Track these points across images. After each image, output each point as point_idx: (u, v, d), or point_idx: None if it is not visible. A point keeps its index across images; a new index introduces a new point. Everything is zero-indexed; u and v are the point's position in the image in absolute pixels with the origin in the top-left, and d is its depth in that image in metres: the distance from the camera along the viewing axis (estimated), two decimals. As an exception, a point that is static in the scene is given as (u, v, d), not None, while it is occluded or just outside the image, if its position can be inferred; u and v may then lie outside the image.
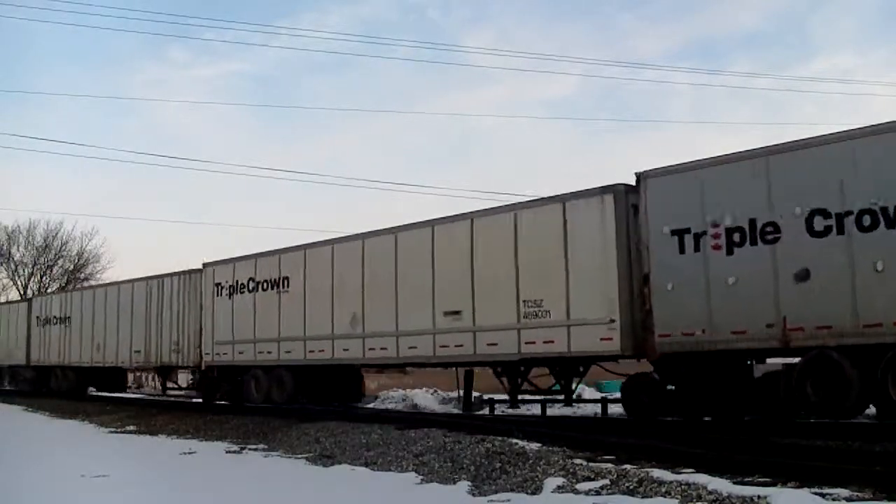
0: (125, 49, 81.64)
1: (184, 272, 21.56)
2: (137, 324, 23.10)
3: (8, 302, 38.04)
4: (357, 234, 17.01)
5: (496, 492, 7.83)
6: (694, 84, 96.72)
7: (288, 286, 18.13)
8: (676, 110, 79.11)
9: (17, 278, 50.44)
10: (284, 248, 18.68)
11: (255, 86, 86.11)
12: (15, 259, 50.52)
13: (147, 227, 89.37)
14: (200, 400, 21.82)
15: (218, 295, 20.03)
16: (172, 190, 79.74)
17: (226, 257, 20.46)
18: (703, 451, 8.25)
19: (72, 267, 51.00)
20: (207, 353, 20.30)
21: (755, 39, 79.87)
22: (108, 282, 25.20)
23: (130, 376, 31.80)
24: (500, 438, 9.96)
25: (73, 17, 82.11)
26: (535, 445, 9.30)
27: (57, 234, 50.50)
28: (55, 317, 27.89)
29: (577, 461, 8.24)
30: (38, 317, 29.22)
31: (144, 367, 25.65)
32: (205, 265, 20.68)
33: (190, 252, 66.90)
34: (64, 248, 50.90)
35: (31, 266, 50.68)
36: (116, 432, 16.73)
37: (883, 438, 8.96)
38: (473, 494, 7.85)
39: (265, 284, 18.76)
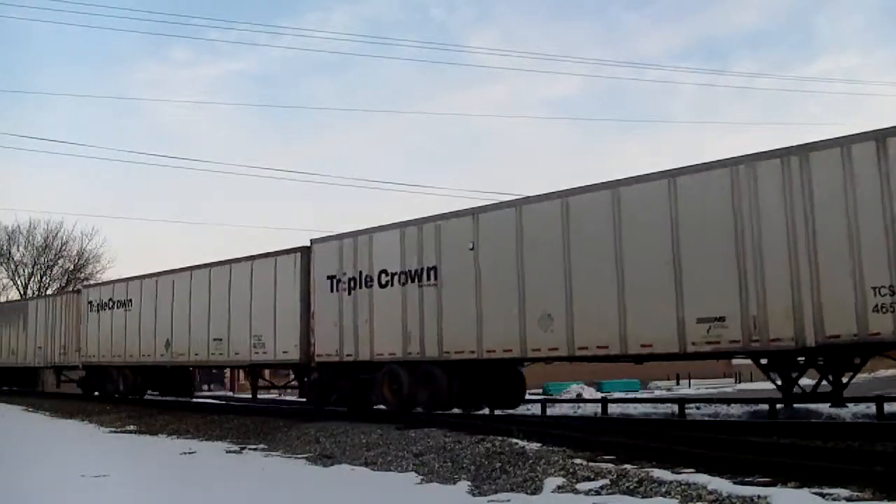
0: (126, 48, 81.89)
1: (287, 250, 17.67)
2: (218, 314, 19.47)
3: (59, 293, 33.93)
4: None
5: (496, 492, 7.84)
6: (697, 84, 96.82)
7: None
8: (679, 110, 79.34)
9: (17, 278, 50.46)
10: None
11: (257, 85, 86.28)
12: (15, 259, 50.54)
13: (147, 227, 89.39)
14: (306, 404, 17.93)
15: (331, 280, 16.23)
16: (172, 190, 79.79)
17: (342, 231, 16.81)
18: (703, 451, 8.24)
19: (72, 267, 51.04)
20: (326, 348, 16.26)
21: (759, 39, 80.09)
22: (183, 266, 21.22)
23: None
24: (500, 438, 9.96)
25: (74, 17, 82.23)
26: (535, 445, 9.31)
27: (57, 234, 50.52)
28: (116, 301, 23.79)
29: (577, 461, 8.23)
30: (90, 303, 25.17)
31: (225, 364, 23.45)
32: (312, 242, 16.96)
33: (190, 252, 66.96)
34: (64, 248, 50.94)
35: (31, 266, 50.71)
36: (116, 432, 16.73)
37: (883, 438, 8.96)
38: (473, 494, 7.86)
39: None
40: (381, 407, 15.50)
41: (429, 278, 14.41)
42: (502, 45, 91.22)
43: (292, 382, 19.19)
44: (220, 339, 19.21)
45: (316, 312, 16.56)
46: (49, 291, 46.18)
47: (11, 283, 50.36)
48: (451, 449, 9.88)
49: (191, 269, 20.90)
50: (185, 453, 12.59)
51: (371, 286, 15.43)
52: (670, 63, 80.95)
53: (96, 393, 25.30)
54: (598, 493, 7.08)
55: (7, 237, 50.14)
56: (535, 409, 17.03)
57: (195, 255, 74.39)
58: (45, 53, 77.55)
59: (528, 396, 17.39)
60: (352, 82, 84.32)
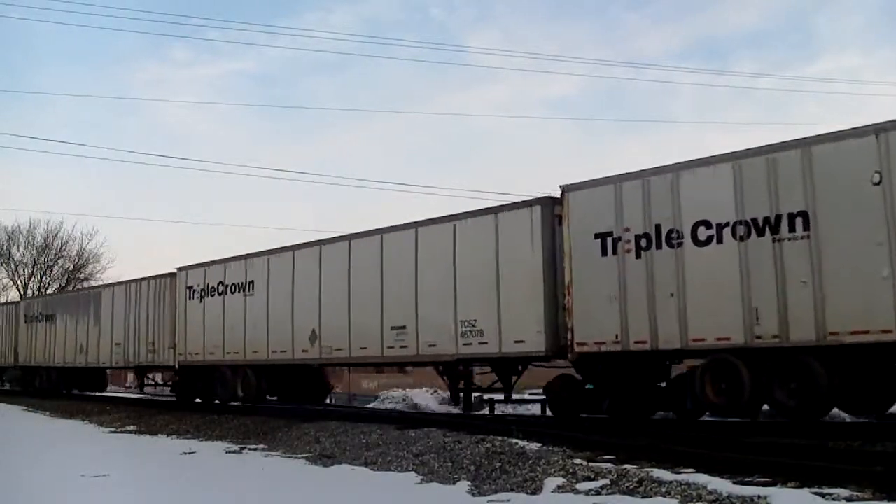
0: (126, 48, 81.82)
1: (516, 204, 13.43)
2: (397, 294, 14.99)
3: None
4: None
5: (496, 492, 7.83)
6: (697, 84, 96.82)
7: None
8: (680, 110, 79.27)
9: (17, 278, 50.47)
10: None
11: (257, 85, 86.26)
12: (15, 259, 50.53)
13: (147, 227, 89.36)
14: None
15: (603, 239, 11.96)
16: (173, 190, 79.72)
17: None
18: (703, 451, 8.25)
19: (72, 267, 51.04)
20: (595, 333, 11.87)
21: (759, 39, 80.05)
22: (335, 236, 16.71)
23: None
24: (500, 438, 9.96)
25: (74, 17, 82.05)
26: (535, 445, 9.31)
27: (57, 234, 50.44)
28: (230, 285, 19.23)
29: (577, 461, 8.23)
30: (191, 288, 20.56)
31: (412, 361, 16.63)
32: (566, 189, 12.50)
33: (190, 252, 66.79)
34: (64, 248, 50.86)
35: (31, 266, 50.72)
36: (116, 432, 16.74)
37: (883, 438, 8.96)
38: (473, 494, 7.85)
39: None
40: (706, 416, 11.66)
41: (791, 229, 10.01)
42: (502, 45, 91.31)
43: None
44: (403, 328, 14.49)
45: (575, 284, 12.05)
46: (49, 291, 46.19)
47: (11, 283, 50.41)
48: (451, 449, 9.88)
49: (348, 237, 16.15)
50: (185, 453, 12.59)
51: (681, 244, 11.02)
52: (670, 63, 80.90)
53: (197, 400, 20.54)
54: (598, 493, 7.08)
55: (7, 237, 50.19)
56: (535, 409, 17.03)
57: (195, 255, 74.33)
58: (46, 53, 77.62)
59: (527, 396, 17.41)
60: (352, 82, 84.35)
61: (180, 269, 20.94)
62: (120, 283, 24.40)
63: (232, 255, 19.53)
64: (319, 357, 16.52)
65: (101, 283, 27.63)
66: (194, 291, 20.08)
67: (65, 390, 27.13)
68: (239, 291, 18.76)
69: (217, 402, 19.37)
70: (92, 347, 24.57)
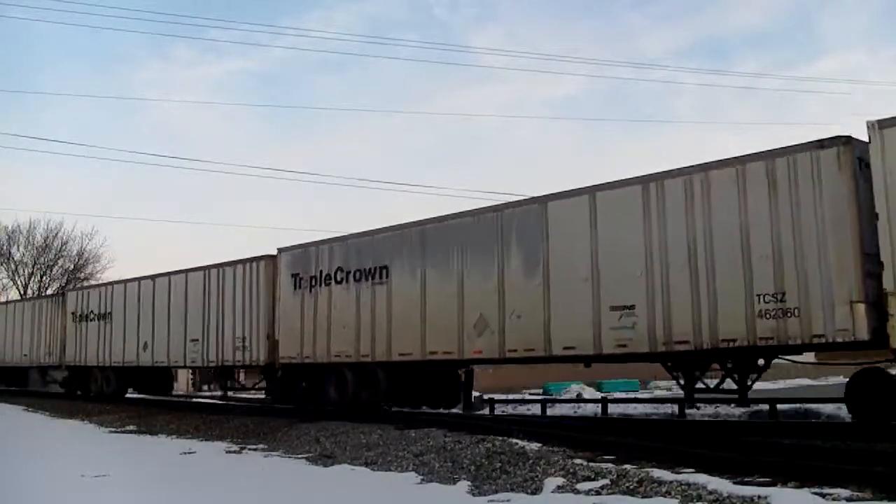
0: (128, 48, 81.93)
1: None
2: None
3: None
4: None
5: (496, 492, 7.83)
6: (701, 84, 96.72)
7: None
8: (683, 110, 79.30)
9: (17, 278, 50.45)
10: None
11: (259, 85, 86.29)
12: (15, 259, 50.49)
13: (147, 227, 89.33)
14: None
15: None
16: (173, 190, 79.71)
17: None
18: (703, 451, 8.25)
19: (72, 267, 51.01)
20: None
21: (762, 39, 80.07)
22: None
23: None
24: (500, 438, 9.97)
25: (75, 17, 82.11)
26: (535, 445, 9.31)
27: (57, 234, 50.34)
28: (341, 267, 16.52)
29: (577, 461, 8.24)
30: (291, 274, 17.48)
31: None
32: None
33: (190, 252, 66.73)
34: (64, 248, 50.78)
35: (31, 266, 50.68)
36: (116, 432, 16.72)
37: (883, 438, 8.96)
38: (473, 494, 7.85)
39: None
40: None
41: None
42: (505, 44, 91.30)
43: None
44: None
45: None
46: (49, 291, 46.18)
47: (11, 283, 50.38)
48: (451, 449, 9.88)
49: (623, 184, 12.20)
50: (185, 453, 12.58)
51: None
52: (673, 63, 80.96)
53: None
54: (598, 493, 7.08)
55: (7, 237, 50.13)
56: (536, 409, 17.04)
57: (195, 255, 74.34)
58: (47, 52, 77.58)
59: (528, 396, 17.43)
60: (353, 82, 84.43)
61: (281, 250, 17.78)
62: (196, 269, 20.56)
63: (356, 232, 16.36)
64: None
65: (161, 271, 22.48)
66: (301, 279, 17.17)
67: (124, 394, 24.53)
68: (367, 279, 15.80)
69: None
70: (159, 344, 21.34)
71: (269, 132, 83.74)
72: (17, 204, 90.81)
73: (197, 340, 20.03)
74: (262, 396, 21.25)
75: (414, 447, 10.47)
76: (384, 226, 15.88)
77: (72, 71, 79.03)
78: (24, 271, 50.60)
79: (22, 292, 47.95)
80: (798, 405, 14.25)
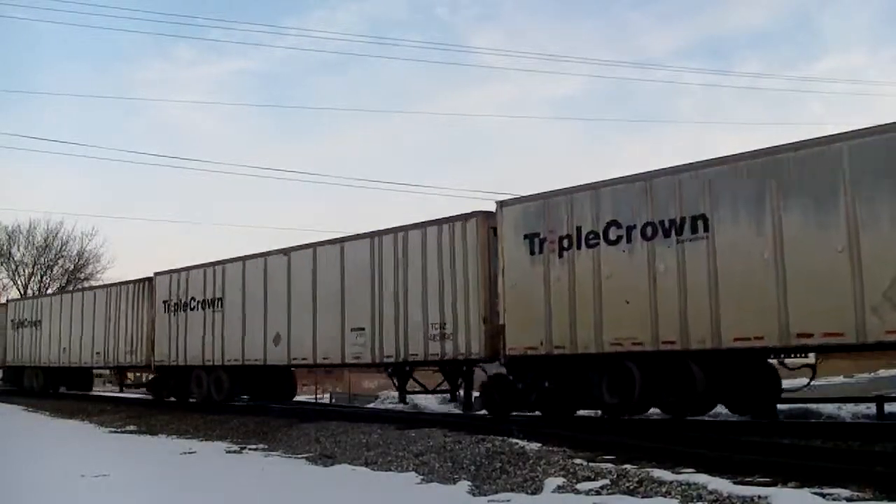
0: (129, 48, 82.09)
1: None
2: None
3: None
4: None
5: (496, 492, 7.84)
6: (703, 84, 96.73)
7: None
8: (685, 110, 79.31)
9: (17, 278, 50.48)
10: None
11: (260, 85, 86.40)
12: (15, 259, 50.54)
13: (147, 227, 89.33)
14: None
15: None
16: (174, 190, 79.71)
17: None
18: (703, 451, 8.25)
19: (72, 267, 51.05)
20: None
21: (764, 39, 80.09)
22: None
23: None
24: (500, 438, 9.97)
25: (76, 17, 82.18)
26: (535, 445, 9.31)
27: (57, 234, 50.38)
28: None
29: (577, 461, 8.24)
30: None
31: None
32: None
33: (190, 252, 66.71)
34: (64, 248, 50.82)
35: (31, 266, 50.72)
36: (116, 432, 16.73)
37: (883, 438, 8.96)
38: (473, 494, 7.86)
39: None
40: None
41: None
42: (506, 44, 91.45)
43: None
44: None
45: None
46: (49, 291, 46.18)
47: (11, 283, 50.39)
48: (451, 449, 9.89)
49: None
50: (185, 453, 12.58)
51: None
52: (675, 63, 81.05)
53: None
54: (598, 493, 7.09)
55: (7, 237, 50.17)
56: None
57: (196, 255, 74.31)
58: (48, 52, 77.74)
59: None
60: (355, 82, 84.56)
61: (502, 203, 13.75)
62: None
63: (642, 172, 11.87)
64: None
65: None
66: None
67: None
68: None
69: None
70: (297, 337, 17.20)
71: (270, 132, 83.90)
72: (17, 204, 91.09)
73: (362, 330, 15.71)
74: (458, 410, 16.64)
75: (414, 447, 10.47)
76: (693, 161, 11.40)
77: (72, 71, 79.23)
78: (24, 271, 50.70)
79: (22, 292, 47.98)
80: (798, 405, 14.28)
